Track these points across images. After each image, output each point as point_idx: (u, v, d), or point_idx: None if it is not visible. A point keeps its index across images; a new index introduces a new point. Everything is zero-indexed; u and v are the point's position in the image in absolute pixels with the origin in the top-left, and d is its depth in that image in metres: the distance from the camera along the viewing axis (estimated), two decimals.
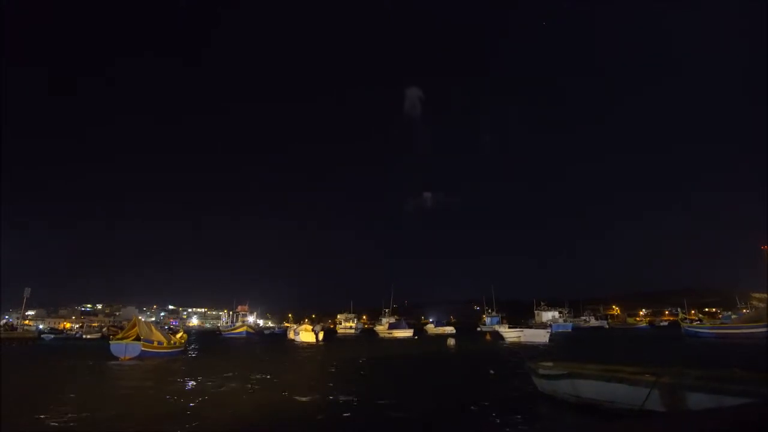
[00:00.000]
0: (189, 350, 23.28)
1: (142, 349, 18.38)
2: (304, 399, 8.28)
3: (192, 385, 10.41)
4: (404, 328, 50.92)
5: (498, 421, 6.41)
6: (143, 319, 24.37)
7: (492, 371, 12.18)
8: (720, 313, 65.37)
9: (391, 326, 53.00)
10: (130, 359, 17.79)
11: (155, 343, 19.47)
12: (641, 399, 5.16)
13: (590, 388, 6.28)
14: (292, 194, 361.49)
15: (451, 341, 23.23)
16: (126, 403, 8.45)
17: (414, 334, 47.54)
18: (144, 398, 8.99)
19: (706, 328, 37.09)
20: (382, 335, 49.59)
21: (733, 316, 42.36)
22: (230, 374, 12.42)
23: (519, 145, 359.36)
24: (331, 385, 10.09)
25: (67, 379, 12.67)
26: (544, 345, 25.38)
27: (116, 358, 17.88)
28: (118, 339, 19.26)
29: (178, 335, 24.77)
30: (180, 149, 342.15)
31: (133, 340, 18.70)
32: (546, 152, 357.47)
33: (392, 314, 70.58)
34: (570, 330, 54.24)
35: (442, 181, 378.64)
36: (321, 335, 33.04)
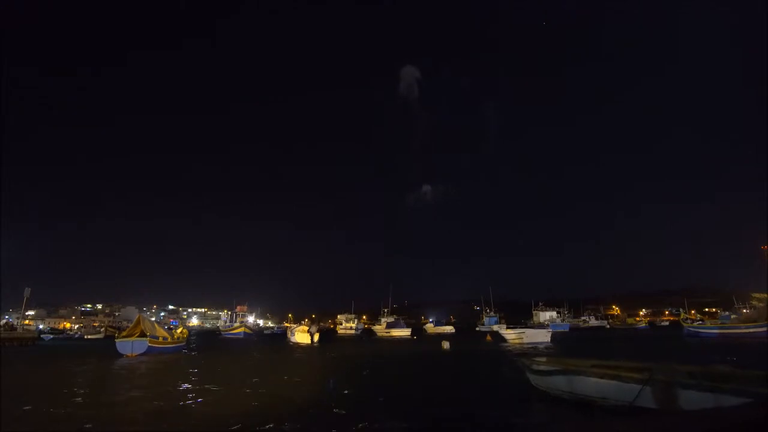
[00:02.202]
0: (190, 347, 23.48)
1: (149, 345, 18.58)
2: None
3: (195, 383, 10.45)
4: (402, 327, 51.48)
5: (491, 417, 6.45)
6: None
7: (482, 370, 12.18)
8: (718, 313, 65.52)
9: (389, 326, 53.47)
10: (137, 356, 17.95)
11: (160, 339, 19.80)
12: (633, 395, 5.18)
13: (583, 384, 6.32)
14: (292, 194, 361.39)
15: (446, 344, 22.97)
16: (137, 401, 8.48)
17: (412, 334, 47.70)
18: (154, 396, 9.03)
19: (707, 328, 37.41)
20: (380, 335, 49.81)
21: (733, 316, 42.60)
22: (227, 374, 12.52)
23: (518, 144, 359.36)
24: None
25: (77, 378, 12.64)
26: (546, 346, 25.34)
27: (122, 356, 18.00)
28: (124, 337, 19.47)
29: (179, 330, 25.26)
30: (180, 149, 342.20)
31: (139, 336, 18.87)
32: (545, 152, 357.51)
33: (392, 314, 70.72)
34: (567, 330, 54.28)
35: (442, 176, 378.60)
36: (316, 336, 33.02)
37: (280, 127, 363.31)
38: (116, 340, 19.56)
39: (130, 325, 21.51)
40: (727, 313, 55.41)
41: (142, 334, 18.98)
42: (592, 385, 6.13)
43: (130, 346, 18.48)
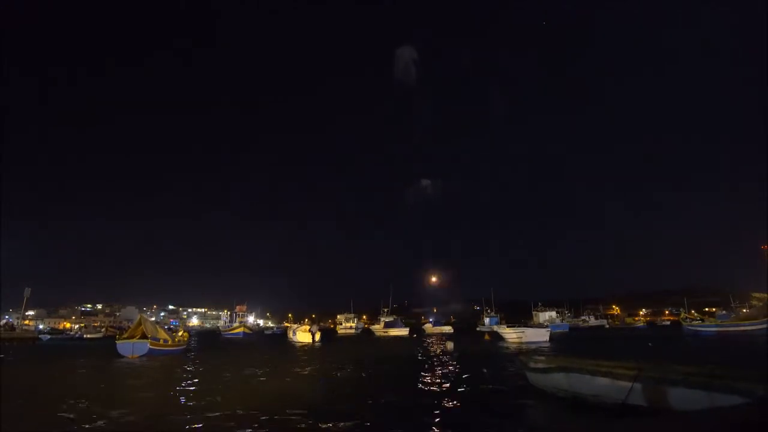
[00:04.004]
0: (191, 349, 23.35)
1: (150, 347, 18.52)
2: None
3: (196, 385, 10.39)
4: (400, 327, 51.88)
5: (489, 414, 6.49)
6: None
7: (485, 369, 12.10)
8: (717, 313, 65.75)
9: (387, 325, 53.76)
10: (137, 357, 17.92)
11: (161, 341, 19.70)
12: (624, 393, 5.20)
13: (577, 382, 6.38)
14: (292, 194, 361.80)
15: (450, 344, 22.98)
16: (142, 401, 8.44)
17: (412, 333, 47.81)
18: (159, 396, 9.03)
19: (706, 327, 37.87)
20: (378, 334, 50.02)
21: (732, 315, 42.91)
22: (228, 374, 12.53)
23: (518, 143, 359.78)
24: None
25: (80, 378, 12.59)
26: (545, 345, 25.39)
27: (123, 357, 17.98)
28: (125, 338, 19.40)
29: (180, 333, 25.14)
30: (179, 149, 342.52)
31: (140, 338, 18.83)
32: (545, 151, 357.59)
33: (392, 314, 70.90)
34: (566, 330, 54.40)
35: (442, 173, 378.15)
36: (318, 335, 33.19)
37: (279, 126, 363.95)
38: (117, 342, 19.46)
39: (132, 326, 21.47)
40: (724, 312, 55.61)
41: (143, 336, 18.93)
42: (586, 382, 6.18)
43: (130, 348, 18.43)
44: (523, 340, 28.23)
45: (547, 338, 28.18)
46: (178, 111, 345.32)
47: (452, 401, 7.47)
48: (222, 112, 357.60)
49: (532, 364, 7.64)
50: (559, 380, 6.78)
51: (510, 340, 28.51)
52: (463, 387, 9.05)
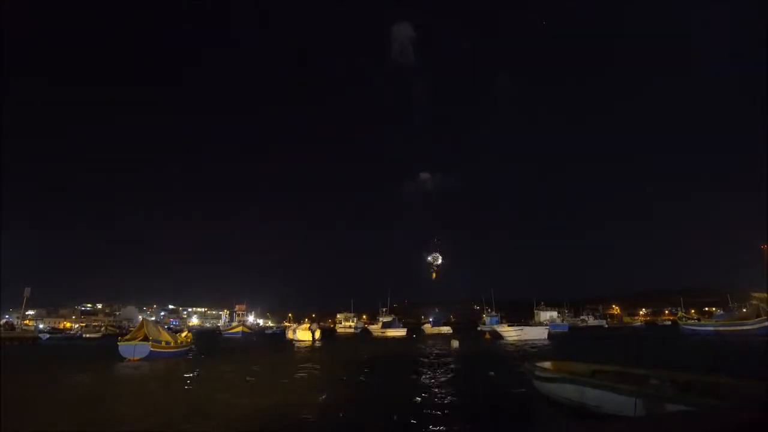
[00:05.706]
0: (192, 351, 23.20)
1: (151, 349, 18.51)
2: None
3: (198, 389, 10.24)
4: (397, 327, 51.63)
5: (496, 420, 6.53)
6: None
7: (492, 373, 12.05)
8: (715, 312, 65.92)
9: (385, 325, 53.55)
10: (138, 360, 17.92)
11: (163, 343, 19.65)
12: (626, 406, 5.26)
13: (582, 393, 6.49)
14: (292, 194, 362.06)
15: (455, 342, 22.95)
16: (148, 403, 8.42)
17: (411, 334, 47.70)
18: (164, 398, 8.98)
19: (703, 326, 38.26)
20: (375, 334, 49.88)
21: (728, 315, 43.31)
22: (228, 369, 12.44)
23: (520, 140, 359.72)
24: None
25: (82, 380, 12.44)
26: (543, 342, 26.13)
27: (124, 359, 17.98)
28: (127, 340, 19.39)
29: (183, 334, 25.04)
30: (178, 149, 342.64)
31: (141, 340, 18.83)
32: (547, 150, 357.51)
33: (391, 313, 70.81)
34: (566, 330, 54.62)
35: (441, 165, 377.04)
36: (317, 334, 33.49)
37: (275, 125, 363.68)
38: (119, 344, 19.49)
39: (134, 329, 21.55)
40: (721, 311, 55.84)
41: (145, 338, 18.98)
42: (590, 393, 6.30)
43: (132, 350, 18.47)
44: (522, 337, 28.55)
45: (546, 336, 28.54)
46: (176, 111, 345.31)
47: (458, 405, 7.49)
48: (220, 114, 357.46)
49: (538, 372, 7.71)
50: (563, 389, 6.90)
51: (509, 338, 28.71)
52: (470, 390, 9.05)
